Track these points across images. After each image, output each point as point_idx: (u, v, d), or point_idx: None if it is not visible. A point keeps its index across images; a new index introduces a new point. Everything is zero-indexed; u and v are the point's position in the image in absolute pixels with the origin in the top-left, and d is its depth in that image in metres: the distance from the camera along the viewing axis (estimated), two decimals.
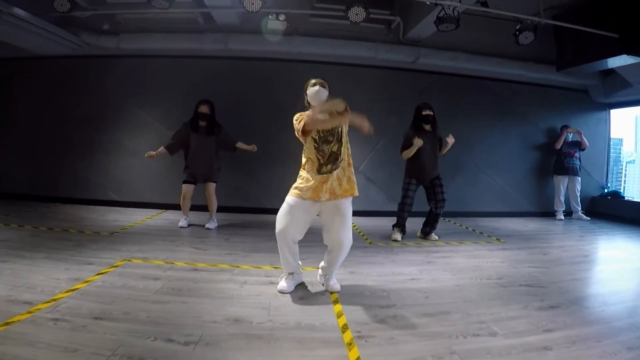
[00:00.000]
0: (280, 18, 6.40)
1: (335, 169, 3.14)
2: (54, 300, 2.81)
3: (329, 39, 7.03)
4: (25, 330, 2.35)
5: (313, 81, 3.25)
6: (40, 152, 7.26)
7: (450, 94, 7.48)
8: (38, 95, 7.30)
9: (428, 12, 5.91)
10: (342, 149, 3.19)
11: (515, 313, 2.94)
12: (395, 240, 5.37)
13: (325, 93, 3.21)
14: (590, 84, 8.23)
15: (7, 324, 2.40)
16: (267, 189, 6.93)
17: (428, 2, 5.50)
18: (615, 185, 8.96)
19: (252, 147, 5.72)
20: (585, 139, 7.76)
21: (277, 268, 3.82)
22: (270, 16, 6.38)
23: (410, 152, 5.23)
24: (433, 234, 5.56)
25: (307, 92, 3.26)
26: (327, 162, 3.15)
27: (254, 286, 3.34)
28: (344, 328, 2.58)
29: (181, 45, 6.96)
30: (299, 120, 3.19)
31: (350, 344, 2.37)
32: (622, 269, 4.46)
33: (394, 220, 5.65)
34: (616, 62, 6.54)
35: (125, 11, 6.56)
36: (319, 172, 3.15)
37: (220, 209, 6.02)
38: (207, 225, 5.70)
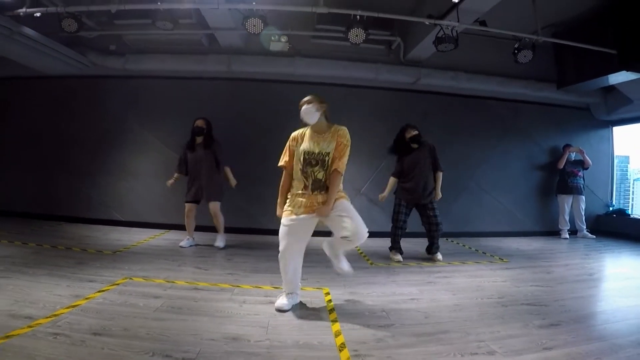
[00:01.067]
0: (283, 39, 6.54)
1: (322, 192, 3.23)
2: (55, 315, 2.84)
3: (330, 60, 7.12)
4: (24, 343, 2.37)
5: (304, 99, 3.31)
6: (45, 170, 7.35)
7: (452, 114, 7.54)
8: (44, 115, 7.43)
9: (427, 33, 6.00)
10: (325, 174, 3.24)
11: (515, 331, 2.92)
12: (398, 262, 5.35)
13: (312, 112, 3.24)
14: (591, 102, 8.27)
15: (7, 337, 2.43)
16: (268, 210, 6.91)
17: (427, 23, 5.59)
18: (623, 203, 8.90)
19: (234, 182, 5.83)
20: (588, 158, 7.76)
21: (277, 288, 3.84)
22: (272, 37, 6.51)
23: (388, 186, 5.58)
24: (438, 254, 5.53)
25: (300, 111, 3.30)
26: (313, 186, 3.23)
27: (253, 305, 3.34)
28: (342, 347, 2.57)
29: (185, 66, 7.07)
30: (284, 151, 3.46)
31: None
32: (626, 286, 4.42)
33: None
34: (616, 78, 6.60)
35: (131, 32, 6.68)
36: (306, 189, 3.25)
37: (229, 230, 6.05)
38: (216, 244, 5.73)
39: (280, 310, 3.22)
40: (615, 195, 8.78)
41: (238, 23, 5.74)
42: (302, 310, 3.30)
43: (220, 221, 5.76)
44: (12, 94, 7.59)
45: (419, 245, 6.04)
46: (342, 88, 7.25)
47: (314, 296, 3.67)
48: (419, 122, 7.20)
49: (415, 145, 5.42)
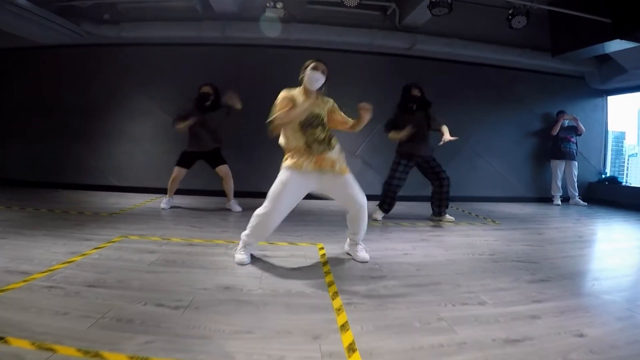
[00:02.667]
0: (278, 6, 6.46)
1: (327, 149, 3.22)
2: (50, 270, 2.89)
3: (326, 26, 7.06)
4: (19, 296, 2.42)
5: (314, 64, 3.20)
6: (42, 139, 7.36)
7: (447, 80, 7.52)
8: (40, 84, 7.40)
9: None
10: (327, 133, 3.28)
11: (505, 285, 2.98)
12: (375, 220, 5.39)
13: (320, 79, 3.22)
14: (586, 71, 8.26)
15: (2, 290, 2.47)
16: (265, 173, 6.95)
17: None
18: (619, 179, 8.97)
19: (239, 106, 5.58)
20: (581, 124, 7.80)
21: (272, 243, 3.93)
22: (268, 4, 6.43)
23: (395, 136, 5.21)
24: (448, 214, 5.59)
25: (306, 72, 3.21)
26: (318, 147, 3.20)
27: None
28: (334, 295, 2.63)
29: (180, 33, 7.01)
30: (276, 107, 3.20)
31: (339, 309, 2.42)
32: (615, 248, 4.50)
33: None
34: (611, 47, 6.56)
35: (124, 0, 6.61)
36: (313, 148, 3.19)
37: (219, 193, 6.11)
38: (234, 209, 5.78)
39: (241, 264, 3.22)
40: (611, 171, 8.84)
41: None
42: (296, 262, 3.36)
43: (231, 185, 5.81)
44: (6, 64, 7.54)
45: (412, 207, 6.12)
46: (337, 53, 7.19)
47: (308, 250, 3.75)
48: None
49: (414, 107, 5.34)
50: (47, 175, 7.34)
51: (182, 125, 5.48)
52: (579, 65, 8.00)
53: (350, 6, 5.56)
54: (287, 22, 6.90)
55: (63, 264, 3.05)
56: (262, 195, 6.52)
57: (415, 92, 5.37)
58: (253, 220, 3.25)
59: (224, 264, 3.22)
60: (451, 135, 5.10)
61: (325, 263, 3.37)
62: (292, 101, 3.18)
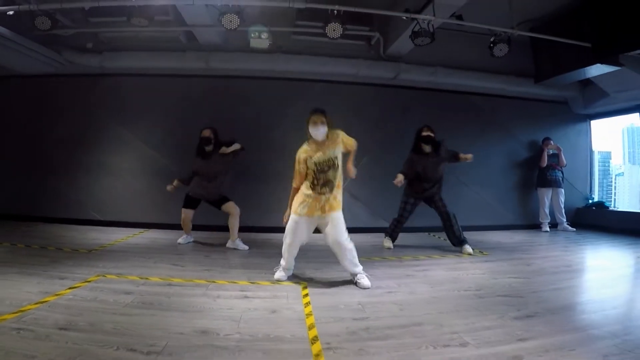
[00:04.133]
0: (263, 36, 6.48)
1: (330, 192, 3.75)
2: (21, 311, 2.78)
3: (311, 56, 7.10)
4: None
5: (312, 119, 3.72)
6: (21, 171, 7.21)
7: (432, 109, 7.51)
8: (20, 114, 7.30)
9: (406, 28, 6.00)
10: (336, 174, 3.76)
11: (490, 323, 2.89)
12: (389, 248, 5.77)
13: (324, 132, 3.72)
14: (569, 96, 8.37)
15: None
16: (250, 207, 6.89)
17: (404, 18, 5.60)
18: (606, 198, 9.00)
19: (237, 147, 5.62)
20: (563, 157, 7.86)
21: (254, 283, 3.82)
22: (252, 34, 6.46)
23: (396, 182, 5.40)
24: (466, 246, 5.61)
25: (309, 129, 3.75)
26: (323, 186, 3.73)
27: (227, 300, 3.30)
28: (314, 340, 2.53)
29: (163, 63, 7.00)
30: (295, 169, 3.85)
31: (318, 355, 2.33)
32: (603, 277, 4.44)
33: (378, 236, 6.01)
34: (592, 71, 6.68)
35: (107, 29, 6.62)
36: (315, 191, 3.74)
37: (203, 228, 6.01)
38: (239, 247, 5.58)
39: (279, 281, 3.87)
40: (598, 190, 8.89)
41: (215, 19, 5.68)
42: (277, 304, 3.25)
43: (236, 223, 5.64)
44: None
45: (400, 239, 6.03)
46: (323, 84, 7.26)
47: (291, 290, 3.64)
48: (399, 117, 7.27)
49: (427, 148, 5.57)
50: (26, 209, 7.16)
51: (171, 189, 5.66)
52: (562, 90, 8.11)
53: (333, 38, 5.55)
54: (272, 53, 6.93)
55: (35, 304, 2.94)
56: (248, 229, 6.59)
57: (426, 133, 5.56)
58: (283, 249, 4.01)
59: (202, 306, 3.11)
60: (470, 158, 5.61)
61: (307, 304, 3.25)
62: (305, 162, 3.78)
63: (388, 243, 5.88)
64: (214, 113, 6.82)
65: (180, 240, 5.75)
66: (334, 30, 5.49)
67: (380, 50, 7.27)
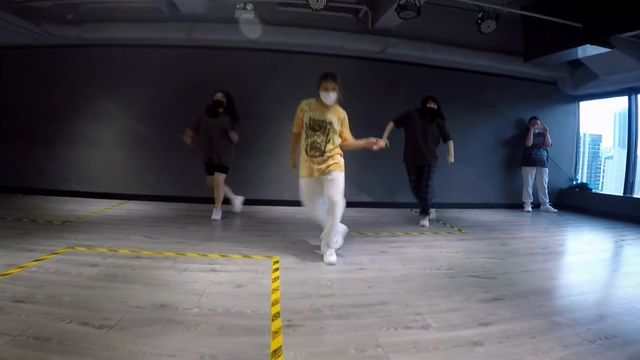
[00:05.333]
0: (248, 7, 6.31)
1: (320, 156, 3.80)
2: None
3: (297, 28, 6.93)
4: None
5: (323, 85, 3.80)
6: (2, 142, 7.08)
7: (419, 84, 7.36)
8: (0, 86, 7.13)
9: (394, 1, 5.84)
10: (327, 144, 3.81)
11: (456, 305, 2.88)
12: (423, 226, 5.82)
13: (334, 98, 3.84)
14: (559, 76, 8.28)
15: None
16: (232, 179, 6.84)
17: None
18: (594, 181, 9.01)
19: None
20: (549, 137, 7.82)
21: (225, 256, 3.80)
22: (237, 5, 6.29)
23: (386, 133, 5.72)
24: (423, 220, 5.91)
25: (321, 90, 3.82)
26: (311, 148, 3.81)
27: (193, 273, 3.27)
28: (275, 316, 2.51)
29: (145, 34, 6.78)
30: (296, 116, 3.98)
31: (276, 332, 2.31)
32: (577, 261, 4.48)
33: (363, 211, 6.28)
34: (582, 52, 6.59)
35: (87, 0, 6.40)
36: (307, 153, 3.84)
37: (191, 200, 5.97)
38: (213, 217, 5.64)
39: (331, 264, 3.71)
40: (587, 172, 8.89)
41: None
42: (244, 278, 3.23)
43: (220, 193, 5.74)
44: None
45: (382, 215, 6.06)
46: (309, 56, 7.12)
47: (262, 264, 3.62)
48: (384, 91, 7.19)
49: (427, 117, 5.86)
50: (6, 180, 7.05)
51: (188, 139, 5.71)
52: (551, 70, 8.03)
53: (316, 9, 5.43)
54: (258, 25, 6.77)
55: None
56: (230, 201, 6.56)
57: (431, 105, 5.84)
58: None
59: (166, 279, 3.08)
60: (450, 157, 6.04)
61: (276, 279, 3.23)
62: (303, 111, 3.91)
63: (424, 221, 5.91)
64: (196, 84, 6.70)
65: (215, 216, 5.67)
66: (317, 1, 5.36)
67: (368, 24, 7.12)
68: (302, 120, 3.89)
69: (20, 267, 3.15)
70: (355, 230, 5.24)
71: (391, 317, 2.62)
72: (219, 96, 5.63)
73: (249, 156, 6.74)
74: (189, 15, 6.68)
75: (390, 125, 5.87)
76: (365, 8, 6.92)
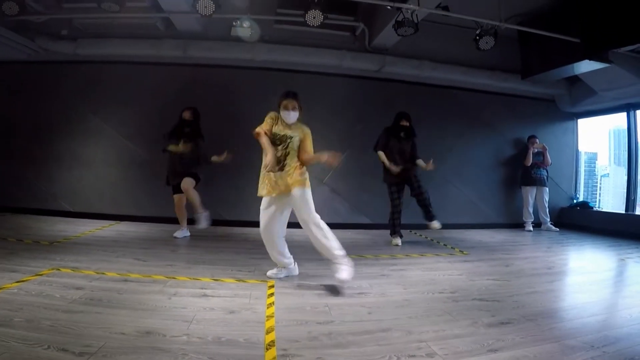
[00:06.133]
0: (245, 25, 6.25)
1: (279, 170, 3.61)
2: None
3: (293, 47, 6.92)
4: None
5: (283, 104, 3.69)
6: None
7: (416, 103, 7.35)
8: None
9: (391, 19, 5.82)
10: (288, 159, 3.66)
11: (462, 330, 2.72)
12: (397, 245, 5.75)
13: (295, 116, 3.71)
14: (556, 93, 8.29)
15: None
16: (225, 200, 6.74)
17: (389, 7, 5.45)
18: (591, 199, 8.98)
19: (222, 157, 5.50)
20: (549, 156, 7.78)
21: (217, 280, 3.64)
22: (234, 22, 6.24)
23: (385, 159, 5.75)
24: (435, 222, 5.78)
25: (281, 110, 3.71)
26: (276, 165, 3.58)
27: (183, 298, 3.11)
28: (270, 345, 2.35)
29: (139, 51, 6.76)
30: (262, 125, 3.70)
31: None
32: (584, 281, 4.30)
33: (358, 232, 6.04)
34: (580, 68, 6.57)
35: (80, 16, 6.37)
36: (265, 168, 3.55)
37: (175, 221, 5.81)
38: (175, 234, 5.57)
39: (270, 278, 3.71)
40: (584, 191, 8.88)
41: (191, 5, 5.46)
42: (237, 304, 3.06)
43: (191, 198, 5.50)
44: None
45: (379, 236, 5.90)
46: (305, 75, 7.08)
47: (256, 289, 3.45)
48: (382, 111, 7.11)
49: (402, 134, 5.82)
50: None
51: (174, 148, 5.47)
52: (549, 87, 8.02)
53: (313, 26, 5.38)
54: (253, 43, 6.71)
55: None
56: (222, 223, 6.45)
57: (404, 123, 5.83)
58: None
59: (154, 304, 2.91)
60: (427, 163, 5.83)
61: (271, 305, 3.07)
62: (274, 120, 3.74)
63: (396, 240, 5.85)
64: (191, 103, 6.57)
65: (176, 234, 5.63)
66: (314, 17, 5.32)
67: (365, 42, 7.13)
68: (271, 128, 3.69)
69: (0, 289, 2.99)
70: (354, 253, 5.06)
71: (393, 345, 2.45)
72: (187, 115, 5.58)
73: (243, 176, 6.60)
74: (185, 32, 6.68)
75: (383, 155, 5.79)
76: (362, 26, 6.91)
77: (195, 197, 5.47)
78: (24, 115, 6.94)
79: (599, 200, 9.27)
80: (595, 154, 10.09)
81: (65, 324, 2.45)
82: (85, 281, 3.36)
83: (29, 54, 6.80)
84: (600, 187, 9.65)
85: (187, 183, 5.42)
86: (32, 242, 4.76)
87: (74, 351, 2.10)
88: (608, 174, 9.80)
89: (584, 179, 9.03)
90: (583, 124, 8.82)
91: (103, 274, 3.62)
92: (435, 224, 5.76)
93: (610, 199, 9.17)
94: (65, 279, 3.40)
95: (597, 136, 10.73)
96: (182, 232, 5.67)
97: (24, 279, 3.27)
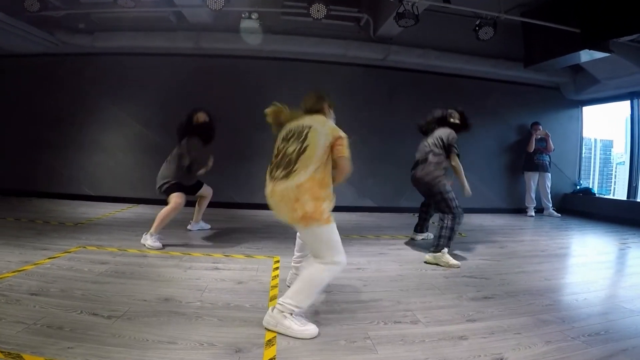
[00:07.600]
0: (253, 17, 6.50)
1: (282, 178, 2.45)
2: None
3: (300, 37, 7.11)
4: None
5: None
6: (16, 148, 7.33)
7: (421, 91, 7.57)
8: (14, 93, 7.38)
9: (395, 9, 5.97)
10: (302, 157, 2.45)
11: (447, 302, 2.99)
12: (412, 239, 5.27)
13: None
14: (561, 81, 8.36)
15: None
16: (237, 184, 7.04)
17: None
18: (606, 186, 9.00)
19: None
20: (551, 142, 7.91)
21: (228, 256, 3.96)
22: (243, 15, 6.48)
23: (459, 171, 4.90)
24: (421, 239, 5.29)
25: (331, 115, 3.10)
26: (279, 164, 2.54)
27: (197, 271, 3.44)
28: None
29: (154, 43, 7.03)
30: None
31: None
32: (575, 263, 4.55)
33: (362, 215, 6.29)
34: (582, 57, 6.62)
35: (96, 10, 6.62)
36: (270, 174, 2.59)
37: (188, 203, 6.08)
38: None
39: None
40: (599, 179, 8.87)
41: None
42: (246, 275, 3.38)
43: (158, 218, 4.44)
44: None
45: (383, 219, 6.14)
46: (312, 64, 7.30)
47: (263, 263, 3.77)
48: (387, 98, 7.32)
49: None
50: (20, 184, 7.30)
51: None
52: (553, 75, 8.10)
53: (317, 18, 5.60)
54: (261, 33, 6.96)
55: (13, 272, 3.09)
56: (234, 205, 6.76)
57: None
58: None
59: (171, 276, 3.25)
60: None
61: (275, 277, 3.39)
62: None
63: (417, 236, 5.25)
64: (203, 92, 6.91)
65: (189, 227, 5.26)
66: (318, 10, 5.54)
67: (370, 32, 7.26)
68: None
69: (35, 264, 3.33)
70: (356, 234, 5.40)
71: (382, 312, 2.75)
72: (203, 117, 4.97)
73: (253, 161, 6.90)
74: (197, 24, 6.90)
75: (461, 167, 4.94)
76: (366, 16, 7.06)
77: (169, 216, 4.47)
78: (46, 104, 7.29)
79: (614, 188, 9.24)
80: (611, 142, 10.07)
81: (94, 292, 2.79)
82: (110, 257, 3.71)
83: (49, 47, 7.09)
84: (615, 175, 9.63)
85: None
86: (57, 224, 5.11)
87: (103, 315, 2.43)
88: (624, 161, 9.82)
89: (599, 166, 9.02)
90: (592, 111, 8.87)
91: (125, 250, 3.97)
92: (418, 237, 5.26)
93: (624, 188, 9.20)
94: (91, 255, 3.75)
95: (613, 123, 10.74)
96: (196, 225, 5.27)
97: (55, 256, 3.62)
